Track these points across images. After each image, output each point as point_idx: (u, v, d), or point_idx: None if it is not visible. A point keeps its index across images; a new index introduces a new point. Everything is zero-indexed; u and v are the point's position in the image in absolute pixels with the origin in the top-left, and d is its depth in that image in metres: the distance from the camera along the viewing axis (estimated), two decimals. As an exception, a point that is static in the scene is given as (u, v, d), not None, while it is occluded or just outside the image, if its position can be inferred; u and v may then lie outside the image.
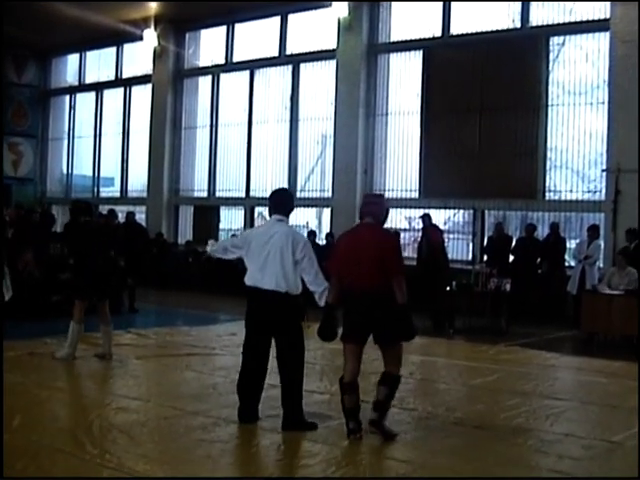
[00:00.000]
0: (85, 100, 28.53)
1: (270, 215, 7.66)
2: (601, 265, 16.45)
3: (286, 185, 22.15)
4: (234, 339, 11.68)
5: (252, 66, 23.28)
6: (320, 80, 21.71)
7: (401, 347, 7.10)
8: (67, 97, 29.30)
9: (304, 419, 7.31)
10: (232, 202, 23.68)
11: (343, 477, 6.10)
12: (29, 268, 14.34)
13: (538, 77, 17.97)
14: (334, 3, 20.25)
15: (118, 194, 27.06)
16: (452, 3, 19.22)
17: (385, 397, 7.02)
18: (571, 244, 17.03)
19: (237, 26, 23.64)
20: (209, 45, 24.90)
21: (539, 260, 17.13)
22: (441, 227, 18.32)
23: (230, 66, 23.92)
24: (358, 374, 7.13)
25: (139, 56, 25.94)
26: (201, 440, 6.86)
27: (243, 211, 23.23)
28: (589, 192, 17.64)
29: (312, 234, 18.85)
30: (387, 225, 20.48)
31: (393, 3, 20.39)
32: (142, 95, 26.03)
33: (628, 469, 6.49)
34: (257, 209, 23.00)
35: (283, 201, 7.75)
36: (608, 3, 16.69)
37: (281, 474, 6.17)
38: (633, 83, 15.99)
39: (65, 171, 29.44)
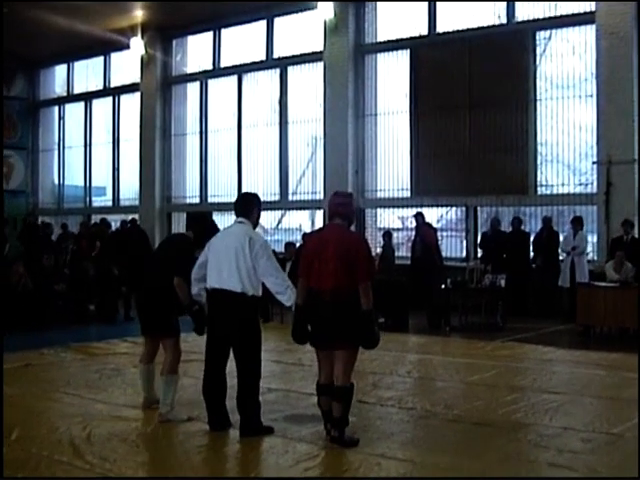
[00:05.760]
0: (74, 110, 28.49)
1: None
2: (595, 258, 16.51)
3: (278, 188, 22.25)
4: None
5: (240, 71, 23.30)
6: (308, 82, 21.71)
7: (354, 356, 6.93)
8: (56, 108, 29.29)
9: (261, 424, 7.25)
10: (224, 207, 23.61)
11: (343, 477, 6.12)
12: (23, 280, 14.37)
13: (526, 72, 18.00)
14: (320, 5, 20.26)
15: (110, 203, 27.05)
16: (437, 2, 19.26)
17: (341, 414, 6.84)
18: (565, 238, 17.04)
19: (223, 31, 23.66)
20: (196, 51, 24.90)
21: (533, 255, 17.13)
22: (434, 225, 18.37)
23: (218, 71, 23.92)
24: (333, 376, 7.00)
25: (127, 65, 25.92)
26: (200, 446, 6.87)
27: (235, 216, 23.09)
28: (581, 185, 17.67)
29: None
30: (379, 225, 20.52)
31: (379, 3, 20.41)
32: (131, 103, 26.00)
33: (628, 461, 6.50)
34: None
35: (244, 203, 7.73)
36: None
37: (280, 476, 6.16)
38: (620, 75, 16.06)
39: (56, 182, 29.40)
